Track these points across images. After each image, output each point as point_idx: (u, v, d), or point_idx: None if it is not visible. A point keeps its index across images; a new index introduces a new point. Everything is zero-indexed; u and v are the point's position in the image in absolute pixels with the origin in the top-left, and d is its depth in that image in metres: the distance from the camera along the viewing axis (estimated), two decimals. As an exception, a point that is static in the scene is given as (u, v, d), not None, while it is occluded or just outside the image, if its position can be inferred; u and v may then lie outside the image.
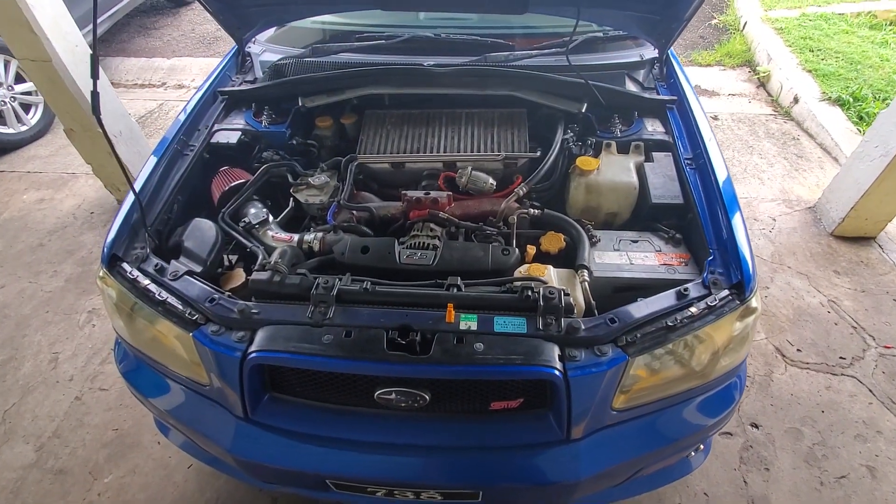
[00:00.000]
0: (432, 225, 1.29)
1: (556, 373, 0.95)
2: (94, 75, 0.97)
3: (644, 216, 1.33)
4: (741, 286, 1.04)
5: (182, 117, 1.50)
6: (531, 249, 1.22)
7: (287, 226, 1.36)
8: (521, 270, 1.13)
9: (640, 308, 1.04)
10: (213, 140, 1.48)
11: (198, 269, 1.16)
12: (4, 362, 1.99)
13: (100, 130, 1.08)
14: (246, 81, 1.70)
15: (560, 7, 1.45)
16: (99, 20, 2.38)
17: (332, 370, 1.00)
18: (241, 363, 1.00)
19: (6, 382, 1.92)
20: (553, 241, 1.24)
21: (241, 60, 1.75)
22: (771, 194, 2.63)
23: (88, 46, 2.25)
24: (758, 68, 3.71)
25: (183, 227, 1.27)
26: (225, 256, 1.30)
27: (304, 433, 1.10)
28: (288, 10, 1.63)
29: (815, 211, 2.49)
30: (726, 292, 1.04)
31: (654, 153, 1.40)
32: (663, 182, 1.31)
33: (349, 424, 1.08)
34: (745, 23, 4.12)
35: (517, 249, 1.20)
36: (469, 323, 1.02)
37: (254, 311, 1.03)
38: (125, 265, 1.15)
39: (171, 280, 1.11)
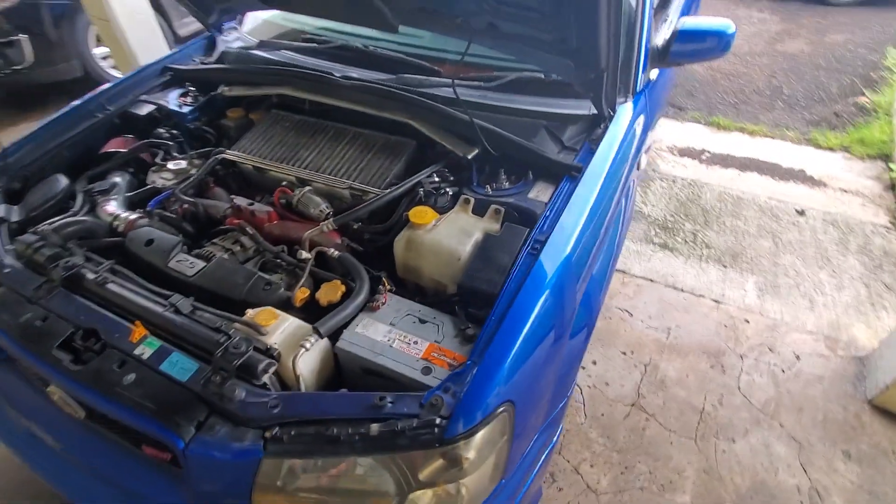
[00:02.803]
0: (243, 237, 1.20)
1: (179, 442, 0.80)
2: None
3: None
4: (455, 419, 0.77)
5: (115, 82, 1.61)
6: (302, 293, 1.06)
7: (137, 204, 1.37)
8: (250, 313, 0.98)
9: (322, 402, 0.83)
10: (130, 109, 1.56)
11: (16, 217, 1.23)
12: None
13: None
14: (203, 64, 1.77)
15: (448, 31, 1.24)
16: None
17: (9, 350, 0.98)
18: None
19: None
20: (329, 292, 1.06)
21: (207, 45, 1.83)
22: (814, 325, 1.99)
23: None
24: (891, 165, 2.87)
25: (46, 179, 1.35)
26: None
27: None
28: (233, 7, 1.66)
29: (864, 364, 1.83)
30: (432, 424, 0.78)
31: (512, 224, 1.12)
32: (488, 262, 1.04)
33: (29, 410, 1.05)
34: (903, 107, 3.22)
35: (284, 287, 1.05)
36: (147, 349, 0.91)
37: None
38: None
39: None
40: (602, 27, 0.97)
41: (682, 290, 2.14)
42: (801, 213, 2.63)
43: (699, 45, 1.47)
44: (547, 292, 0.93)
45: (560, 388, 1.03)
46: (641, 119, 1.48)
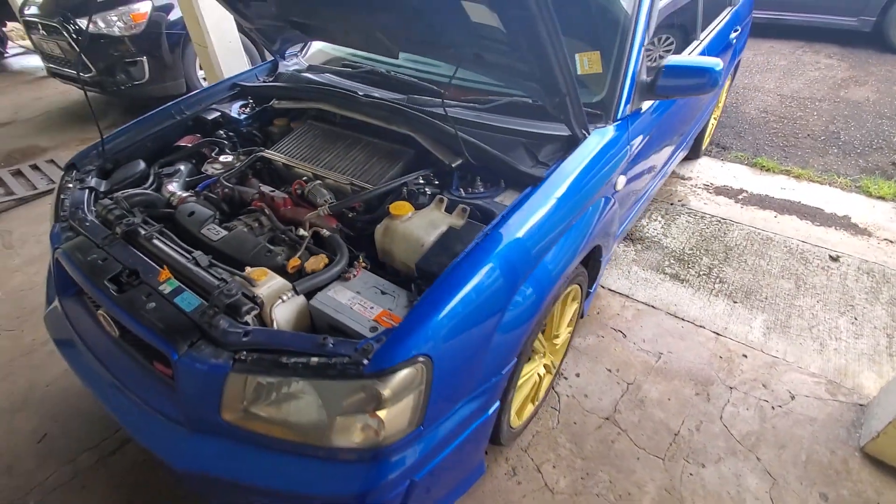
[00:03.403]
0: (262, 217, 1.48)
1: (173, 354, 1.06)
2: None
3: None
4: (374, 359, 0.96)
5: (194, 92, 2.01)
6: (294, 262, 1.30)
7: (192, 186, 1.71)
8: (248, 270, 1.23)
9: (282, 337, 1.05)
10: (201, 114, 1.94)
11: (103, 188, 1.60)
12: None
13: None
14: (262, 82, 2.14)
15: (442, 58, 1.47)
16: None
17: (78, 280, 1.30)
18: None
19: None
20: (314, 262, 1.29)
21: (271, 68, 2.21)
22: (819, 368, 1.93)
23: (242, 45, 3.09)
24: (950, 219, 2.68)
25: (130, 163, 1.74)
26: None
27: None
28: (290, 37, 2.02)
29: (864, 413, 1.75)
30: (357, 361, 0.97)
31: (473, 221, 1.30)
32: (443, 249, 1.23)
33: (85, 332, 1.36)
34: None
35: (284, 257, 1.30)
36: (168, 287, 1.19)
37: (73, 213, 1.41)
38: (74, 172, 1.66)
39: (75, 186, 1.57)
40: (551, 60, 1.15)
41: (683, 319, 2.15)
42: (835, 258, 2.53)
43: (686, 81, 1.58)
44: (477, 277, 1.10)
45: (493, 363, 1.17)
46: (636, 142, 1.62)
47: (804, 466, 1.62)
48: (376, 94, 1.74)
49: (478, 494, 1.56)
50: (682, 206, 2.96)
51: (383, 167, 1.55)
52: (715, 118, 3.42)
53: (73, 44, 3.68)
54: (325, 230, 1.38)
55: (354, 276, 1.25)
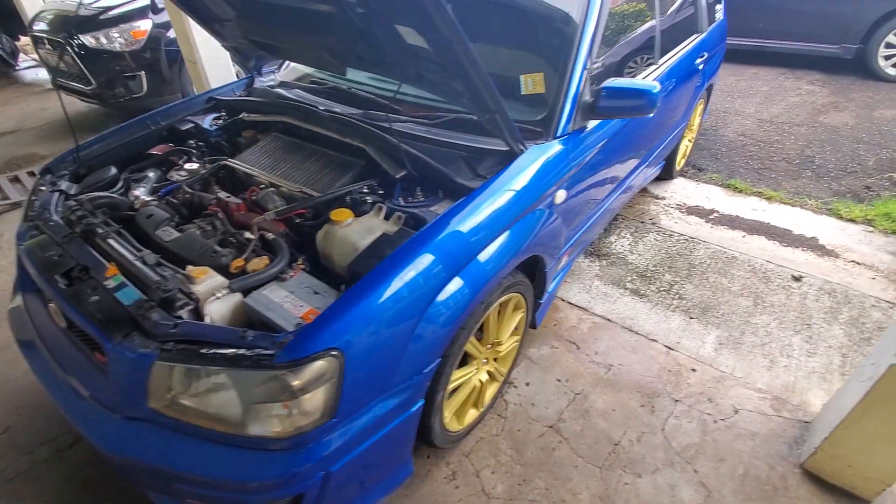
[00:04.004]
0: (216, 221, 1.56)
1: (107, 343, 1.13)
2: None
3: None
4: (285, 351, 1.02)
5: (171, 104, 2.13)
6: (237, 263, 1.38)
7: (157, 191, 1.79)
8: (189, 268, 1.31)
9: (207, 329, 1.12)
10: (176, 125, 2.05)
11: (73, 191, 1.70)
12: None
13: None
14: (236, 97, 2.25)
15: (386, 75, 1.56)
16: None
17: (34, 276, 1.39)
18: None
19: None
20: (255, 263, 1.37)
21: (248, 83, 2.32)
22: (766, 384, 1.95)
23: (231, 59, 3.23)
24: (915, 242, 2.71)
25: (103, 168, 1.84)
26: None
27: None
28: (263, 55, 2.14)
29: (808, 430, 1.77)
30: (269, 352, 1.03)
31: (405, 228, 1.38)
32: (373, 253, 1.30)
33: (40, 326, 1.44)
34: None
35: (233, 256, 1.38)
36: (112, 282, 1.27)
37: (41, 213, 1.50)
38: (48, 176, 1.76)
39: (47, 189, 1.67)
40: (473, 79, 1.24)
41: (638, 333, 2.19)
42: (798, 278, 2.57)
43: (625, 103, 1.66)
44: (397, 279, 1.17)
45: (413, 362, 1.23)
46: (579, 158, 1.72)
47: (741, 480, 1.64)
48: (337, 109, 1.84)
49: (415, 497, 1.60)
50: (653, 224, 3.02)
51: (334, 176, 1.64)
52: (689, 140, 3.49)
53: (75, 58, 3.86)
54: (271, 234, 1.46)
55: (291, 276, 1.32)
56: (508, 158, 1.54)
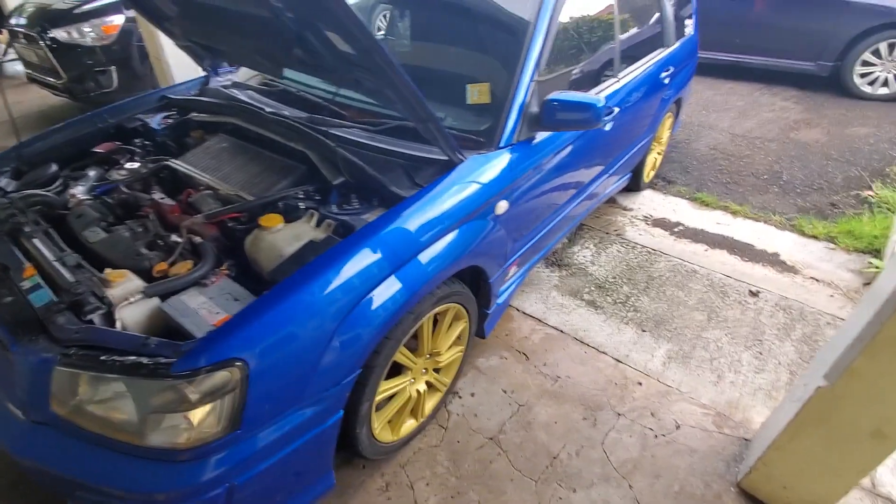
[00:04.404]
0: (148, 222, 1.54)
1: (13, 345, 1.10)
2: None
3: None
4: (181, 361, 1.00)
5: (122, 102, 2.10)
6: (160, 266, 1.35)
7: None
8: (107, 271, 1.28)
9: (110, 335, 1.09)
10: (124, 123, 2.02)
11: (10, 188, 1.66)
12: None
13: None
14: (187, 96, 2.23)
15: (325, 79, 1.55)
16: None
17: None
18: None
19: None
20: (179, 268, 1.34)
21: (203, 83, 2.29)
22: (710, 400, 1.95)
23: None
24: (872, 261, 2.73)
25: (44, 165, 1.80)
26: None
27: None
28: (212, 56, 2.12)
29: (748, 448, 1.76)
30: (166, 361, 1.01)
31: (332, 235, 1.36)
32: (296, 260, 1.28)
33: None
34: (908, 206, 3.06)
35: (159, 259, 1.36)
36: (28, 282, 1.24)
37: None
38: (-15, 172, 1.73)
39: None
40: (400, 89, 1.23)
41: (588, 345, 2.19)
42: (755, 294, 2.58)
43: (570, 115, 1.66)
44: (311, 288, 1.15)
45: (330, 373, 1.20)
46: (525, 169, 1.71)
47: (675, 497, 1.63)
48: (286, 112, 1.82)
49: (345, 508, 1.57)
50: (617, 235, 3.02)
51: (273, 180, 1.62)
52: (659, 153, 3.51)
53: (47, 52, 3.81)
54: (199, 238, 1.43)
55: (213, 282, 1.30)
56: (447, 168, 1.53)
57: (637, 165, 3.16)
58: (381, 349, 1.35)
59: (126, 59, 3.94)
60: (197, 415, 1.02)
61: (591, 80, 2.21)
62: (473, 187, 1.53)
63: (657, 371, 2.07)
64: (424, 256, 1.38)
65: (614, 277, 2.64)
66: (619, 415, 1.89)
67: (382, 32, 2.14)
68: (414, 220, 1.37)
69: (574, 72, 2.06)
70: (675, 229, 3.10)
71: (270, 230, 1.39)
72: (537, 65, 1.72)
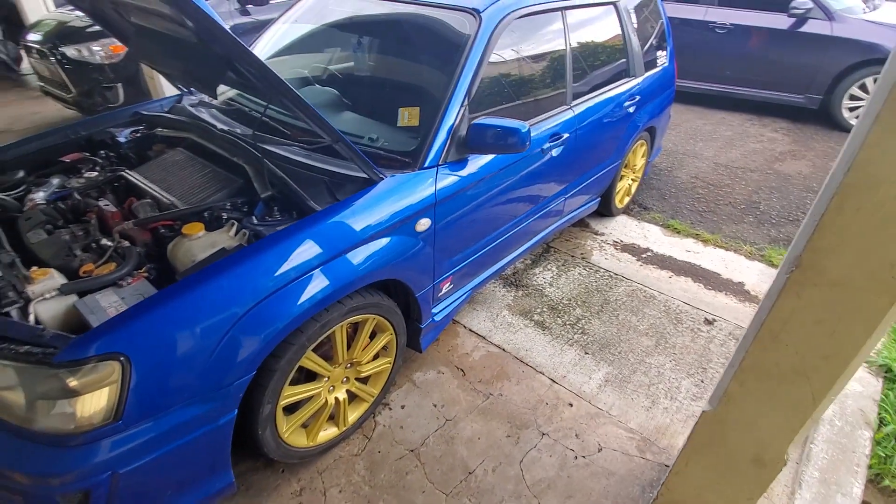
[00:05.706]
0: (89, 226, 1.65)
1: None
2: None
3: None
4: (64, 352, 1.08)
5: (96, 116, 2.26)
6: (87, 267, 1.45)
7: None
8: (33, 269, 1.38)
9: (10, 326, 1.19)
10: (93, 135, 2.17)
11: None
12: None
13: None
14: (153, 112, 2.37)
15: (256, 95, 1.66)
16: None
17: None
18: None
19: None
20: (102, 269, 1.44)
21: (177, 100, 2.45)
22: (638, 425, 1.94)
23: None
24: (834, 293, 2.68)
25: (11, 172, 1.95)
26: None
27: None
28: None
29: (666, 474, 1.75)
30: (50, 350, 1.09)
31: (242, 244, 1.45)
32: (202, 266, 1.36)
33: None
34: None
35: (89, 261, 1.46)
36: (-43, 277, 1.35)
37: None
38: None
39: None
40: (303, 113, 1.33)
41: (527, 365, 2.21)
42: (710, 322, 2.57)
43: (495, 139, 1.73)
44: (203, 291, 1.23)
45: (220, 373, 1.27)
46: (452, 190, 1.78)
47: (584, 519, 1.63)
48: (238, 130, 1.94)
49: (256, 510, 1.62)
50: (582, 258, 3.04)
51: (211, 192, 1.73)
52: (633, 180, 3.54)
53: (58, 67, 4.09)
54: (127, 242, 1.54)
55: (129, 283, 1.39)
56: (366, 185, 1.61)
57: (606, 190, 3.19)
58: (282, 353, 1.41)
59: (132, 76, 4.19)
60: (79, 403, 1.10)
61: (542, 108, 2.28)
62: (390, 204, 1.60)
63: (591, 393, 2.08)
64: (329, 268, 1.45)
65: (569, 300, 2.66)
66: (543, 434, 1.89)
67: (330, 57, 2.26)
68: (321, 232, 1.44)
69: (519, 100, 2.14)
70: (643, 255, 3.11)
71: (190, 237, 1.48)
72: (468, 91, 1.81)
